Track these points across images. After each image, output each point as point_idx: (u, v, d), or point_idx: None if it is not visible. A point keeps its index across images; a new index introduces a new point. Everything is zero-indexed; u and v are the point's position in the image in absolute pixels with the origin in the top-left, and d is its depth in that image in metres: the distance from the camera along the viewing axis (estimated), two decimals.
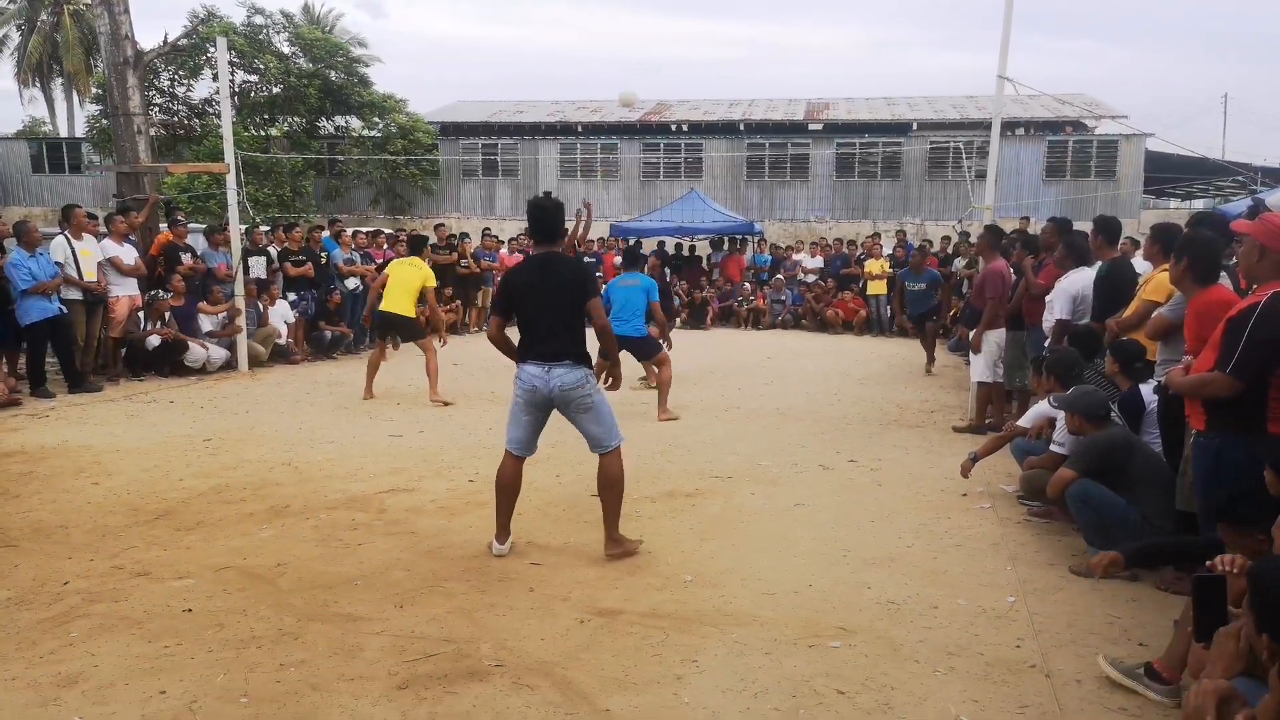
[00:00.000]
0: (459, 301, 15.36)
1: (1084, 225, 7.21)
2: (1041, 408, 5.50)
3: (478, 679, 3.21)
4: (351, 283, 12.62)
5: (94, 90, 28.32)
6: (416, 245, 9.62)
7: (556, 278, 4.35)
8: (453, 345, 13.70)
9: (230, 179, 10.53)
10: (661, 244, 19.61)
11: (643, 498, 5.53)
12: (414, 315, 9.00)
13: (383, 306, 8.82)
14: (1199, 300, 4.02)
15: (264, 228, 12.66)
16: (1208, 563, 2.80)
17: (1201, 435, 3.71)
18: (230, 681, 3.18)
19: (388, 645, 3.49)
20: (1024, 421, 5.71)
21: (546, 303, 4.31)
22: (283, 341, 11.48)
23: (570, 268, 4.45)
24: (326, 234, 13.07)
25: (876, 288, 16.68)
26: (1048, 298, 6.72)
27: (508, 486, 4.50)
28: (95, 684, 3.15)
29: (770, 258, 19.04)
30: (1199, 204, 30.83)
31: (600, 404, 4.38)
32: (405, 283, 8.85)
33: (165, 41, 14.69)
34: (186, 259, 10.77)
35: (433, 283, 9.16)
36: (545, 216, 4.42)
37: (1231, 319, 3.51)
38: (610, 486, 4.44)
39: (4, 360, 8.94)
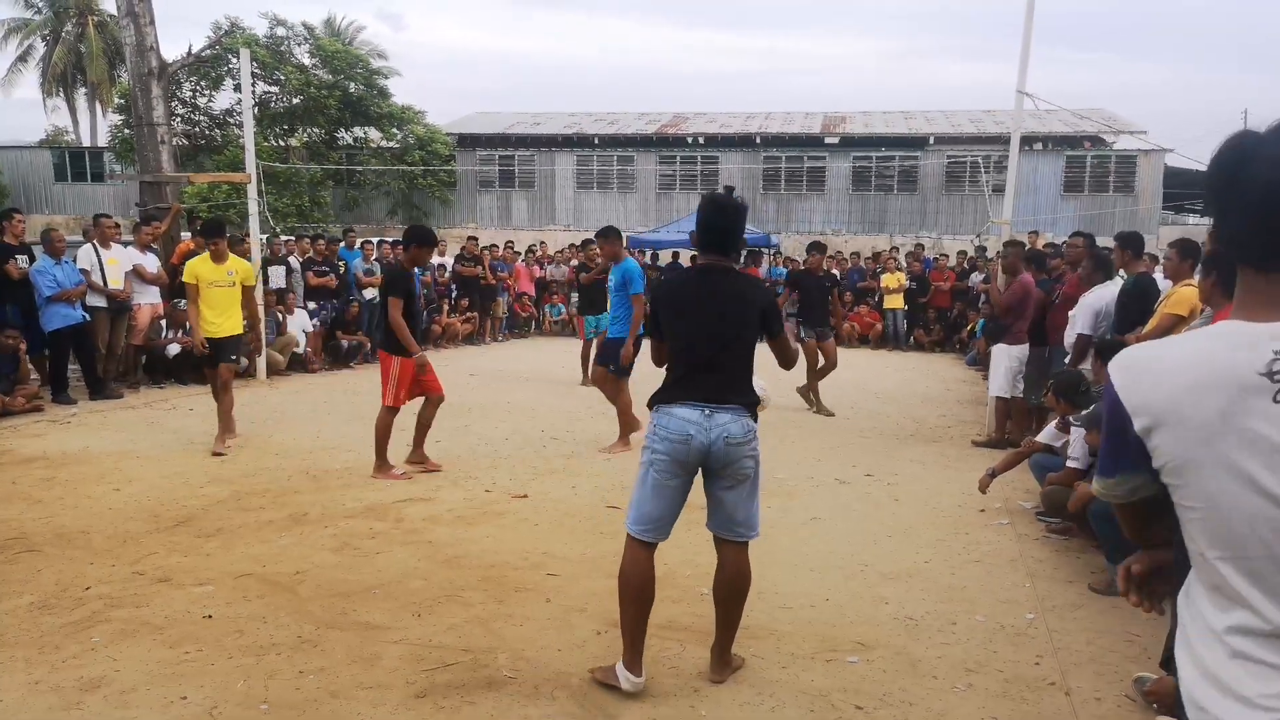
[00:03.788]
0: (475, 314, 15.44)
1: (1103, 241, 7.20)
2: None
3: (495, 689, 3.22)
4: (369, 293, 12.73)
5: (117, 100, 28.67)
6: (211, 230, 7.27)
7: (733, 295, 3.26)
8: (468, 355, 13.79)
9: (251, 189, 10.64)
10: (676, 255, 19.68)
11: None
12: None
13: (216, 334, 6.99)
14: (1224, 315, 4.00)
15: (284, 237, 12.80)
16: None
17: None
18: (250, 688, 3.20)
19: (406, 654, 3.50)
20: (1042, 438, 5.68)
21: (715, 325, 3.21)
22: (301, 350, 11.57)
23: (754, 285, 3.42)
24: (343, 245, 13.22)
25: (893, 301, 16.68)
26: (1070, 312, 6.69)
27: (642, 591, 3.19)
28: (117, 689, 3.18)
29: (786, 271, 19.04)
30: None
31: (758, 476, 3.30)
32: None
33: (189, 53, 14.93)
34: None
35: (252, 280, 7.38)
36: (730, 223, 3.30)
37: None
38: (741, 593, 3.34)
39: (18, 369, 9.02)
